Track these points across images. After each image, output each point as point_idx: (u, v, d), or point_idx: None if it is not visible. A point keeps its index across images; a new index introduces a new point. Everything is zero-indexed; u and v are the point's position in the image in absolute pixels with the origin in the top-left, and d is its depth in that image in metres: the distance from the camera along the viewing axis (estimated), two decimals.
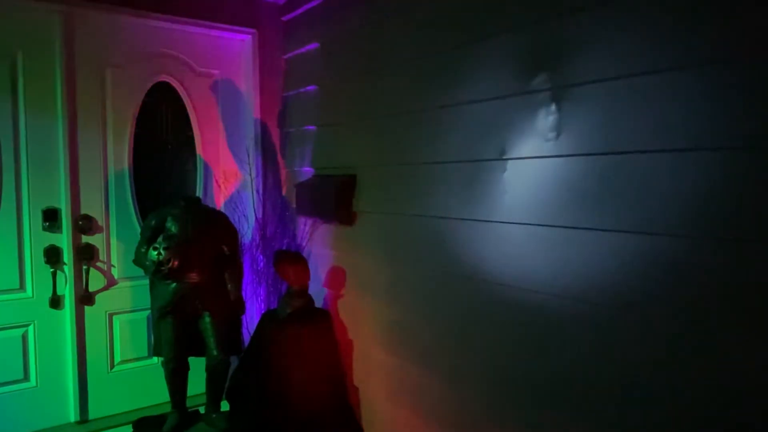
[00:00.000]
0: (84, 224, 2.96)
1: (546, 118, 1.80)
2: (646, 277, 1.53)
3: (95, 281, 3.02)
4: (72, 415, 2.97)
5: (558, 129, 1.76)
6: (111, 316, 3.10)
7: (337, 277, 2.97)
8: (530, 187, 1.87)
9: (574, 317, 1.73)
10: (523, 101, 1.88)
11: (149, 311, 2.97)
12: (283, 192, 3.47)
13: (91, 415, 3.02)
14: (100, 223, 3.03)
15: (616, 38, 1.59)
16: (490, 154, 2.01)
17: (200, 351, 2.84)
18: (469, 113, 2.10)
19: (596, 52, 1.65)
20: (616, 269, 1.61)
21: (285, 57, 3.42)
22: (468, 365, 2.15)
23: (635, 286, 1.56)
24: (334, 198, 2.89)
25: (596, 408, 1.67)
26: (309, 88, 3.17)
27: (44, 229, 2.86)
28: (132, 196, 3.13)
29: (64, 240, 2.91)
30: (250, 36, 3.39)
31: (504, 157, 1.95)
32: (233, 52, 3.44)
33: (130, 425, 2.88)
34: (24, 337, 2.85)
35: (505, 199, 1.96)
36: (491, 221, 2.02)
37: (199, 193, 3.34)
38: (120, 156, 3.08)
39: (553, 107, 1.77)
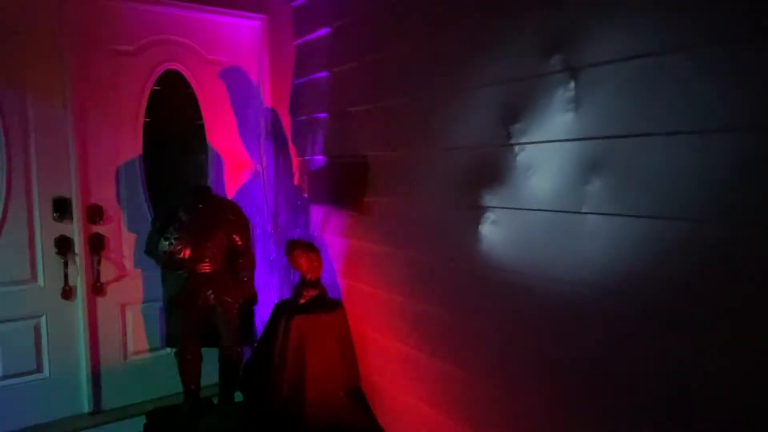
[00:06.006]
0: (95, 214, 2.94)
1: (565, 100, 1.73)
2: (672, 265, 1.47)
3: (107, 272, 3.00)
4: (85, 405, 2.96)
5: (577, 111, 1.69)
6: (123, 306, 3.08)
7: (350, 267, 2.93)
8: (549, 171, 1.80)
9: (595, 306, 1.67)
10: (542, 83, 1.81)
11: (162, 302, 2.95)
12: (295, 181, 3.42)
13: (105, 406, 3.01)
14: (110, 212, 3.00)
15: (639, 14, 1.52)
16: (507, 138, 1.95)
17: (213, 342, 2.82)
18: (485, 96, 2.04)
19: (617, 29, 1.58)
20: (640, 257, 1.54)
21: (295, 43, 3.36)
22: (485, 356, 2.10)
23: (660, 274, 1.49)
24: (346, 186, 2.85)
25: (617, 400, 1.62)
26: (320, 74, 3.11)
27: (55, 219, 2.84)
28: (142, 185, 3.09)
29: (75, 230, 2.89)
30: (260, 22, 3.34)
31: (522, 141, 1.89)
32: (243, 39, 3.38)
33: (144, 416, 2.87)
34: (36, 328, 2.83)
35: (523, 184, 1.90)
36: (508, 208, 1.96)
37: (209, 182, 3.30)
38: (130, 145, 3.05)
39: (573, 88, 1.71)
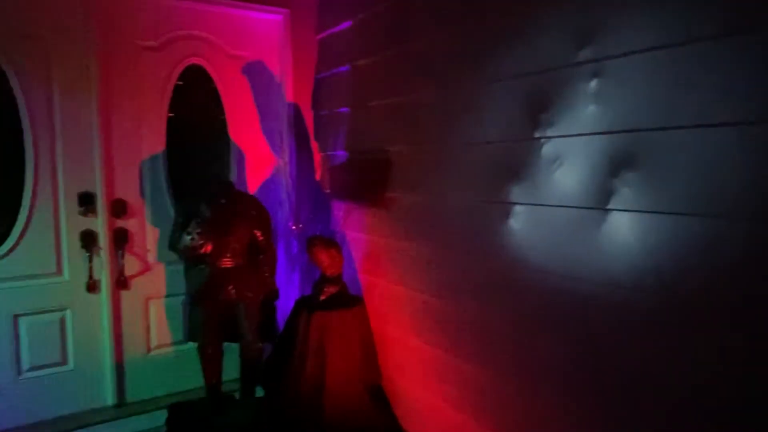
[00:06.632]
0: (119, 208, 2.96)
1: (591, 93, 1.67)
2: (704, 264, 1.40)
3: (131, 266, 3.02)
4: (109, 398, 3.00)
5: (605, 104, 1.63)
6: (147, 300, 3.10)
7: (371, 263, 2.90)
8: (576, 167, 1.74)
9: (621, 306, 1.61)
10: (568, 75, 1.75)
11: (185, 296, 2.96)
12: (317, 176, 3.41)
13: (128, 399, 3.04)
14: (135, 207, 3.02)
15: (671, 1, 1.45)
16: (530, 132, 1.89)
17: (235, 337, 2.82)
18: (510, 89, 1.99)
19: (648, 18, 1.51)
20: (669, 255, 1.48)
21: (318, 37, 3.34)
22: (506, 355, 2.05)
23: (691, 273, 1.43)
24: (368, 181, 2.82)
25: (643, 401, 1.56)
26: (342, 68, 3.08)
27: (80, 213, 2.87)
28: (166, 180, 3.11)
29: (99, 224, 2.91)
30: (282, 16, 3.32)
31: (547, 135, 1.83)
32: (265, 33, 3.37)
33: (166, 409, 2.89)
34: (62, 321, 2.87)
35: (547, 180, 1.84)
36: (532, 204, 1.91)
37: (232, 177, 3.30)
38: (153, 140, 3.06)
39: (600, 80, 1.64)
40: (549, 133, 1.82)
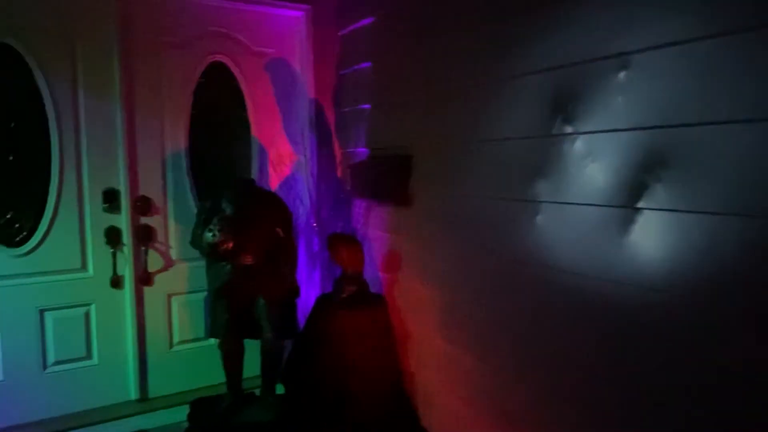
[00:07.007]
0: (142, 205, 2.99)
1: (621, 87, 1.62)
2: (741, 266, 1.35)
3: (154, 262, 3.05)
4: (132, 392, 3.03)
5: (636, 98, 1.58)
6: (170, 296, 3.13)
7: (392, 261, 2.87)
8: (604, 164, 1.69)
9: (653, 308, 1.56)
10: (594, 68, 1.70)
11: (206, 292, 2.98)
12: (338, 173, 3.39)
13: (151, 394, 3.07)
14: (157, 204, 3.05)
15: None
16: (557, 128, 1.84)
17: (255, 334, 2.82)
18: (532, 85, 1.94)
19: (684, 6, 1.45)
20: (706, 257, 1.43)
21: (340, 33, 3.32)
22: (531, 358, 2.01)
23: (728, 276, 1.37)
24: (389, 179, 2.80)
25: (672, 406, 1.51)
26: (363, 64, 3.06)
27: (104, 210, 2.90)
28: (189, 177, 3.13)
29: (123, 221, 2.95)
30: (303, 12, 3.32)
31: (575, 132, 1.79)
32: (287, 30, 3.36)
33: (188, 404, 2.90)
34: (86, 316, 2.91)
35: (575, 177, 1.79)
36: (559, 202, 1.86)
37: (253, 174, 3.31)
38: (176, 137, 3.08)
39: (630, 73, 1.59)
40: (579, 129, 1.77)
